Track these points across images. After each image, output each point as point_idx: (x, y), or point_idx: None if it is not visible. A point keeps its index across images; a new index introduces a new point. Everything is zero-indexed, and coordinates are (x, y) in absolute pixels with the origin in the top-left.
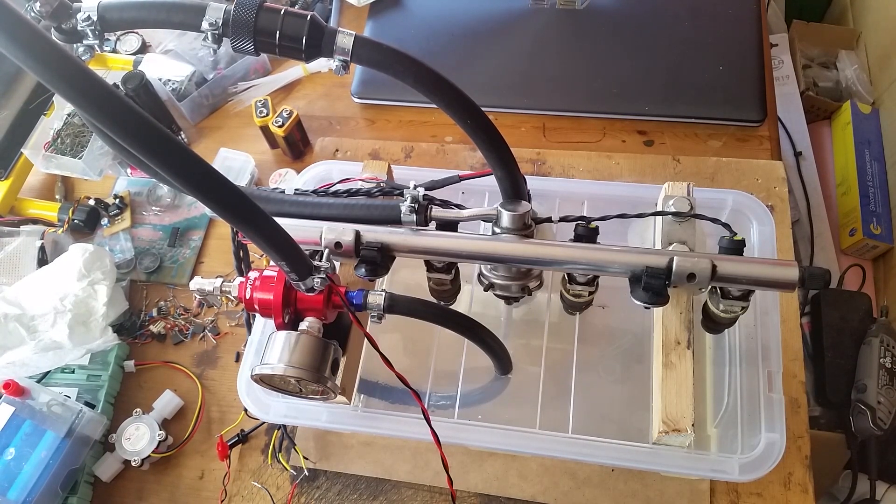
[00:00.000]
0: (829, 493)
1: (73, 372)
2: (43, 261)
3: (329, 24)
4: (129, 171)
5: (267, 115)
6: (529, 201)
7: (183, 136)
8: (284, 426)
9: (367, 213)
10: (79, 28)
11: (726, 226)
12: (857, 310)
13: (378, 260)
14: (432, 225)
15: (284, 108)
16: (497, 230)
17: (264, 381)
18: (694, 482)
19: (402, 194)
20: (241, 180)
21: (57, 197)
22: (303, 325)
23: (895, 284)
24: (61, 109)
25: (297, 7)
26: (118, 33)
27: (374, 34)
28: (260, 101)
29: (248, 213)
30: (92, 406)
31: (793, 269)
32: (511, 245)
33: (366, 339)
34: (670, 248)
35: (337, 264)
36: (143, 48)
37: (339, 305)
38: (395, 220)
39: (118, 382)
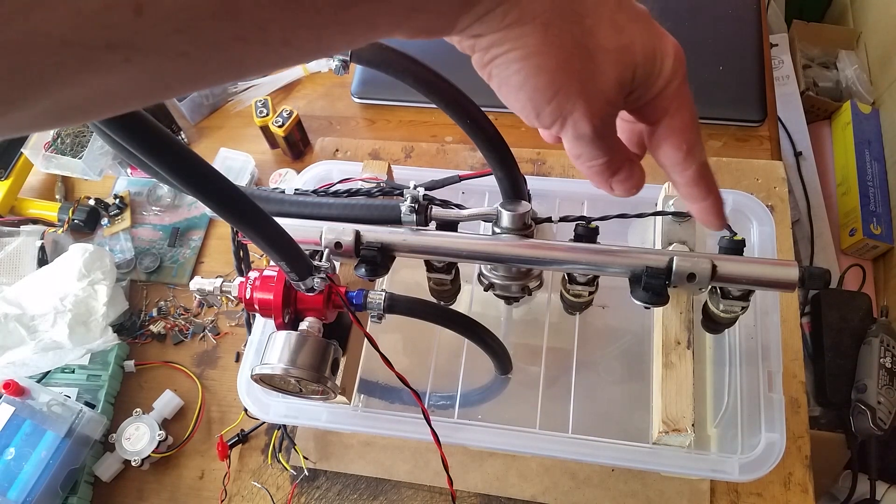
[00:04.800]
0: (829, 493)
1: (73, 372)
2: (43, 261)
3: None
4: (129, 171)
5: (267, 115)
6: (529, 201)
7: (183, 136)
8: (284, 426)
9: (367, 213)
10: None
11: (726, 226)
12: (857, 310)
13: (378, 260)
14: (432, 225)
15: (284, 108)
16: (497, 230)
17: (264, 381)
18: (694, 482)
19: (402, 194)
20: (241, 180)
21: (57, 197)
22: (303, 325)
23: (895, 284)
24: None
25: None
26: None
27: None
28: (260, 101)
29: (248, 213)
30: (92, 406)
31: (793, 269)
32: (511, 245)
33: (366, 339)
34: (670, 248)
35: (337, 264)
36: None
37: (339, 305)
38: (395, 220)
39: (118, 382)
